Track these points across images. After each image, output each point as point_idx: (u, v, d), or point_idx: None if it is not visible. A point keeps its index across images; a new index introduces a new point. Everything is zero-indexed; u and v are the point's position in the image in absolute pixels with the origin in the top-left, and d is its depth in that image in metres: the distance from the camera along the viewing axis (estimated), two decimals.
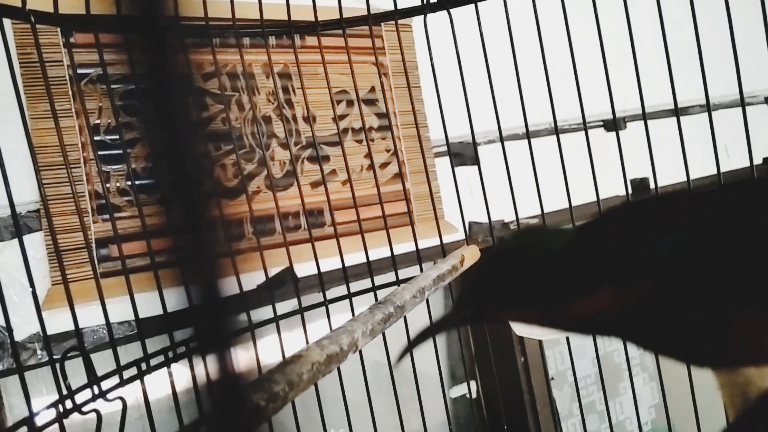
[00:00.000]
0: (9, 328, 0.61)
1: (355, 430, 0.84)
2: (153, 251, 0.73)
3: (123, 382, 0.66)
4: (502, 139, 0.89)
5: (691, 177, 0.82)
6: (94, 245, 0.93)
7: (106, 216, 0.95)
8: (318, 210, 1.16)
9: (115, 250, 0.95)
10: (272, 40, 1.11)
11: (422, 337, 0.48)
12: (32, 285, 0.64)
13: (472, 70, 0.88)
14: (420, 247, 0.91)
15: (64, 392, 0.60)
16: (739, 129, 0.79)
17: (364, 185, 1.20)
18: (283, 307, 0.97)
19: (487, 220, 0.93)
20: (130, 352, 0.73)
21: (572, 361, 0.96)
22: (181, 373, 0.71)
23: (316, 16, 0.89)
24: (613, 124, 0.91)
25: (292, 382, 0.44)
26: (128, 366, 0.68)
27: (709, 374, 0.40)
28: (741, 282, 0.32)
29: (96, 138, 0.96)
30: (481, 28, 0.86)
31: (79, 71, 0.96)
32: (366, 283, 0.89)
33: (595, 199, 0.87)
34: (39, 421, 0.57)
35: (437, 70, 0.89)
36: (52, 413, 0.58)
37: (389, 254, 0.89)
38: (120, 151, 0.97)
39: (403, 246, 0.97)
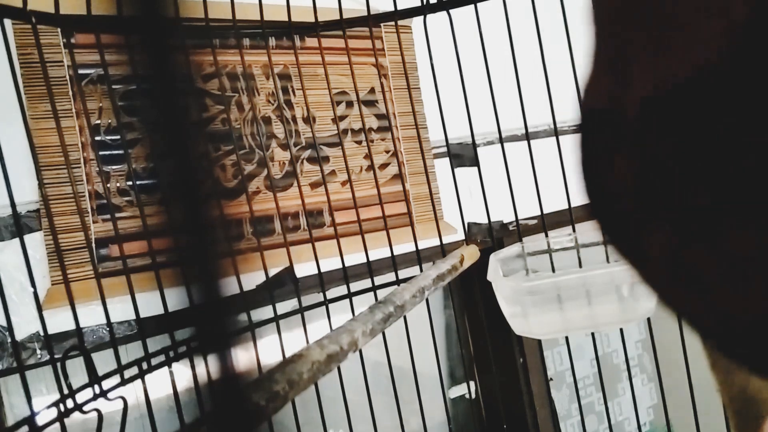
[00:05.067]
0: (9, 328, 0.61)
1: (355, 430, 0.84)
2: (153, 251, 0.73)
3: (124, 382, 0.66)
4: (501, 140, 0.89)
5: None
6: (94, 245, 0.93)
7: (107, 216, 0.95)
8: (318, 210, 1.17)
9: (114, 250, 0.95)
10: (272, 41, 1.11)
11: None
12: (33, 285, 0.64)
13: (471, 71, 0.88)
14: (419, 247, 0.92)
15: (65, 391, 0.60)
16: None
17: (363, 186, 1.20)
18: (283, 307, 0.97)
19: (486, 221, 0.93)
20: (130, 351, 0.73)
21: (571, 362, 0.96)
22: (182, 373, 0.71)
23: (316, 17, 0.89)
24: None
25: (292, 382, 0.45)
26: (129, 365, 0.68)
27: (708, 374, 0.40)
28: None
29: (96, 138, 0.96)
30: (480, 28, 0.87)
31: (80, 71, 0.96)
32: (366, 283, 0.90)
33: None
34: (40, 420, 0.57)
35: (437, 71, 0.90)
36: (53, 412, 0.58)
37: (389, 254, 0.89)
38: (120, 152, 0.97)
39: (403, 246, 0.98)
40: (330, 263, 0.91)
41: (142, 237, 0.91)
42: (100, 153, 0.97)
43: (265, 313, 0.85)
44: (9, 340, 0.87)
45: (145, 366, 0.68)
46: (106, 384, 0.64)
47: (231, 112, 1.09)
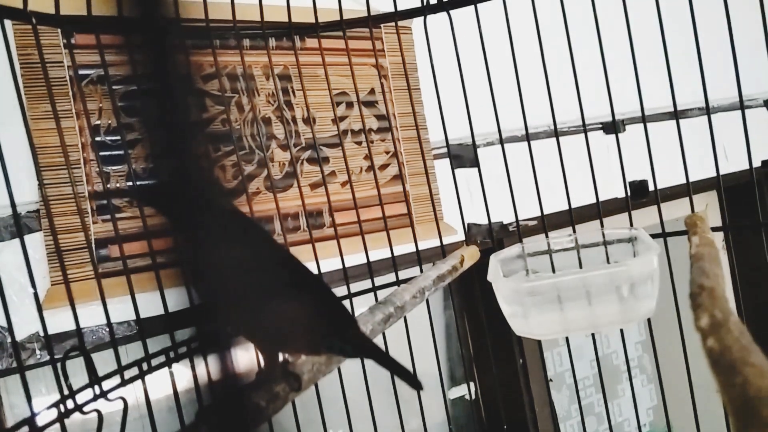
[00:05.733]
0: (10, 328, 0.61)
1: (355, 430, 0.84)
2: (153, 251, 0.73)
3: (124, 382, 0.66)
4: (501, 141, 0.89)
5: (690, 179, 0.83)
6: (94, 245, 0.93)
7: (106, 216, 0.95)
8: (318, 211, 1.17)
9: (114, 251, 0.95)
10: (272, 42, 1.11)
11: None
12: (33, 285, 0.64)
13: (471, 72, 0.88)
14: (420, 248, 0.91)
15: (65, 392, 0.60)
16: (738, 132, 0.79)
17: (363, 187, 1.20)
18: None
19: (486, 222, 0.93)
20: (130, 352, 0.73)
21: (572, 363, 0.96)
22: (182, 373, 0.71)
23: (316, 18, 0.89)
24: (613, 127, 0.91)
25: (291, 385, 0.45)
26: (129, 366, 0.68)
27: (708, 375, 0.40)
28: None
29: (96, 139, 0.96)
30: (480, 29, 0.87)
31: (80, 72, 0.96)
32: (366, 284, 0.90)
33: (594, 201, 0.87)
34: (40, 421, 0.57)
35: (437, 72, 0.90)
36: (53, 413, 0.58)
37: (389, 255, 0.89)
38: (120, 152, 0.97)
39: (403, 247, 0.98)
40: (330, 264, 0.91)
41: (142, 237, 0.91)
42: (100, 153, 0.97)
43: None
44: (9, 340, 0.87)
45: (145, 366, 0.68)
46: (107, 384, 0.64)
47: (231, 112, 1.09)
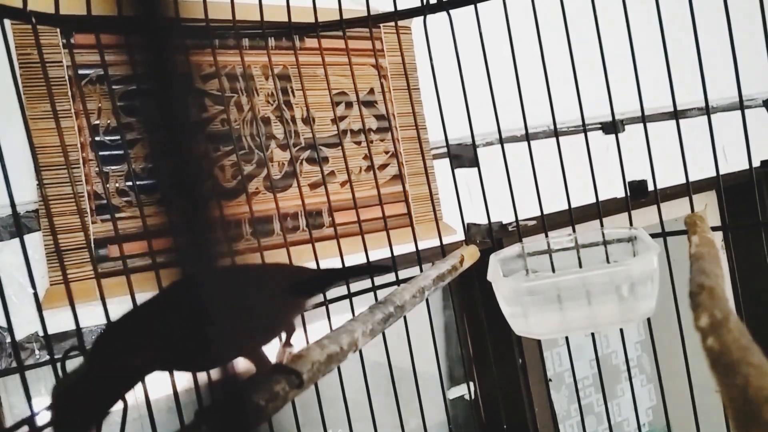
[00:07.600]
0: (9, 328, 0.61)
1: (355, 430, 0.84)
2: (153, 251, 0.73)
3: None
4: (501, 141, 0.89)
5: (690, 179, 0.83)
6: (93, 245, 0.93)
7: (106, 216, 0.95)
8: (317, 211, 1.17)
9: (113, 251, 0.95)
10: (272, 42, 1.11)
11: None
12: (33, 285, 0.64)
13: (471, 72, 0.88)
14: (419, 248, 0.91)
15: None
16: (738, 132, 0.79)
17: (363, 186, 1.20)
18: None
19: (486, 222, 0.93)
20: None
21: (571, 363, 0.96)
22: (182, 373, 0.71)
23: (316, 18, 0.89)
24: (612, 127, 0.91)
25: (292, 382, 0.45)
26: None
27: (708, 376, 0.40)
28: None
29: (96, 138, 0.96)
30: (480, 29, 0.87)
31: (80, 72, 0.96)
32: (366, 283, 0.90)
33: (594, 201, 0.87)
34: (40, 421, 0.57)
35: (437, 72, 0.90)
36: None
37: (389, 255, 0.89)
38: (120, 152, 0.97)
39: (403, 247, 0.98)
40: (330, 264, 0.90)
41: (142, 237, 0.91)
42: (100, 153, 0.97)
43: None
44: (8, 340, 0.87)
45: None
46: None
47: (230, 112, 1.09)
